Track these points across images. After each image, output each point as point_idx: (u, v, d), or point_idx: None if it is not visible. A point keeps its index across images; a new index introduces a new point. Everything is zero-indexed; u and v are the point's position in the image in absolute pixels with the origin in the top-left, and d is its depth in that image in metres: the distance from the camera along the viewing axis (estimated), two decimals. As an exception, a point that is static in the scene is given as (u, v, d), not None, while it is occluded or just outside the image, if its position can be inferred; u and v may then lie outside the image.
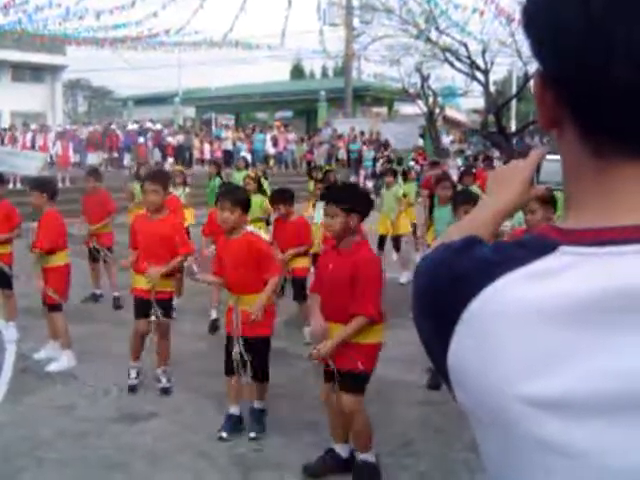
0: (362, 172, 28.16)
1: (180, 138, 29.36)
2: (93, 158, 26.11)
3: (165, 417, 5.51)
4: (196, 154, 29.38)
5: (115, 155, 27.51)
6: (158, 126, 30.01)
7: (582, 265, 0.78)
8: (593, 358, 0.75)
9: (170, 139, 28.99)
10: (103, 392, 6.01)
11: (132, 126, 29.00)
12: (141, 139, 27.00)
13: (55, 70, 40.33)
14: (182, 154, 28.59)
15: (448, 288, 0.87)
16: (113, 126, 29.06)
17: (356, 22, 32.20)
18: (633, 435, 0.73)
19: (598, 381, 0.74)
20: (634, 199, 0.81)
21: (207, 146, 29.43)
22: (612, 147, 0.81)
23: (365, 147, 29.37)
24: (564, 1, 0.79)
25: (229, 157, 28.84)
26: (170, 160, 27.32)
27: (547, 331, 0.77)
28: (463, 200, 6.00)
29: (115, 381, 6.16)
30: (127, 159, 26.50)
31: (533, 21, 0.85)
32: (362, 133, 30.78)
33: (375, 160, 27.97)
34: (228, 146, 29.94)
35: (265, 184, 11.31)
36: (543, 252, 0.81)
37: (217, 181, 11.59)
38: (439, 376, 0.92)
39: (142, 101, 44.40)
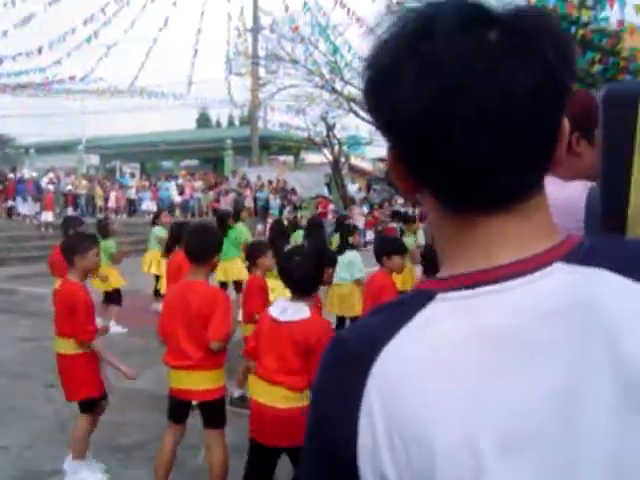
0: (269, 220, 28.15)
1: (83, 187, 28.82)
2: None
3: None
4: (99, 203, 28.89)
5: (10, 204, 26.53)
6: (61, 174, 29.38)
7: (453, 309, 0.82)
8: (482, 399, 0.76)
9: (71, 187, 28.40)
10: (3, 450, 5.69)
11: (32, 174, 28.20)
12: (50, 187, 26.21)
13: (-49, 116, 38.98)
14: (86, 203, 28.10)
15: (344, 370, 0.86)
16: (11, 175, 28.08)
17: (262, 72, 32.67)
18: (528, 471, 0.73)
19: (485, 422, 0.75)
20: (487, 246, 0.85)
21: (112, 194, 29.04)
22: (464, 207, 0.86)
23: (272, 195, 29.47)
24: (400, 98, 0.81)
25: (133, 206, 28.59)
26: (70, 210, 26.72)
27: (439, 379, 0.78)
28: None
29: (15, 438, 5.84)
30: (27, 208, 25.62)
31: (373, 101, 0.88)
32: (270, 182, 30.88)
33: (282, 208, 28.10)
34: (132, 195, 29.60)
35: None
36: (422, 304, 0.83)
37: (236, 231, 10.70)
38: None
39: (45, 149, 43.36)
